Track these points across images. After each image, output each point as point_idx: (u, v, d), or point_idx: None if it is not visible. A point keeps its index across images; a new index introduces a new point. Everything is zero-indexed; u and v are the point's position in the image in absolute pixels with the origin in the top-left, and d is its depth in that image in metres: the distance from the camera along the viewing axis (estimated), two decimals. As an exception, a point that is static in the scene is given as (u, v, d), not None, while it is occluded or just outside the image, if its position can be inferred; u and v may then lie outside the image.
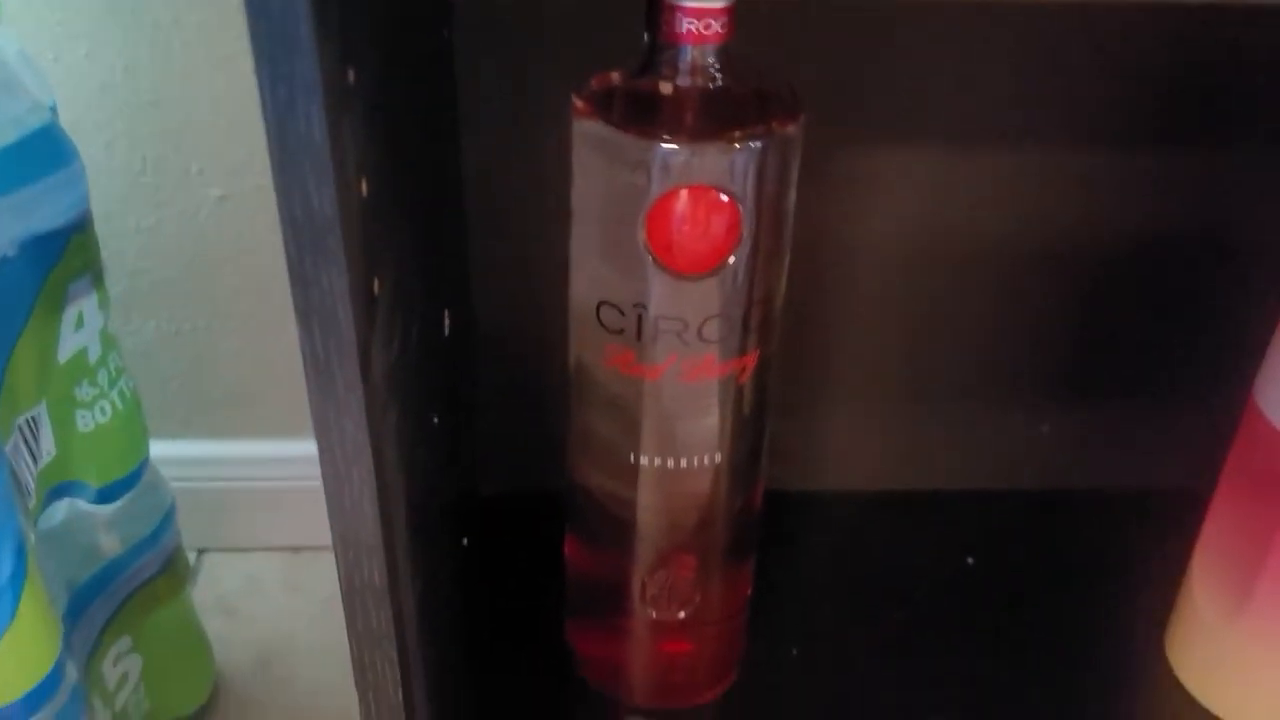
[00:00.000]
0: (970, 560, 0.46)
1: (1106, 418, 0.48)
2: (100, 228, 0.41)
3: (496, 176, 0.41)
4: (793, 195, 0.30)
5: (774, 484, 0.49)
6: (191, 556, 0.60)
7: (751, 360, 0.31)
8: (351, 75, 0.21)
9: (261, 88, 0.19)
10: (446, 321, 0.35)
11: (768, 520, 0.49)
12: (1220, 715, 0.39)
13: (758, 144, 0.27)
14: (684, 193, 0.27)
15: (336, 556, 0.25)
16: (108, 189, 0.51)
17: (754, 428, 0.34)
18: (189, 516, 0.51)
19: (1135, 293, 0.45)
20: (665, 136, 0.27)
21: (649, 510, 0.33)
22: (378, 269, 0.23)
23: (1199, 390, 0.46)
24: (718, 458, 0.33)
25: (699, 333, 0.29)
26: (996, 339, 0.46)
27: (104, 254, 0.42)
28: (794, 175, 0.30)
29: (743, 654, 0.40)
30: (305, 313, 0.21)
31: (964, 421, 0.48)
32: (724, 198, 0.27)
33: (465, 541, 0.41)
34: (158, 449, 0.47)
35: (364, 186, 0.22)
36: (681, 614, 0.36)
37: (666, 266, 0.28)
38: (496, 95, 0.40)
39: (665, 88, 0.28)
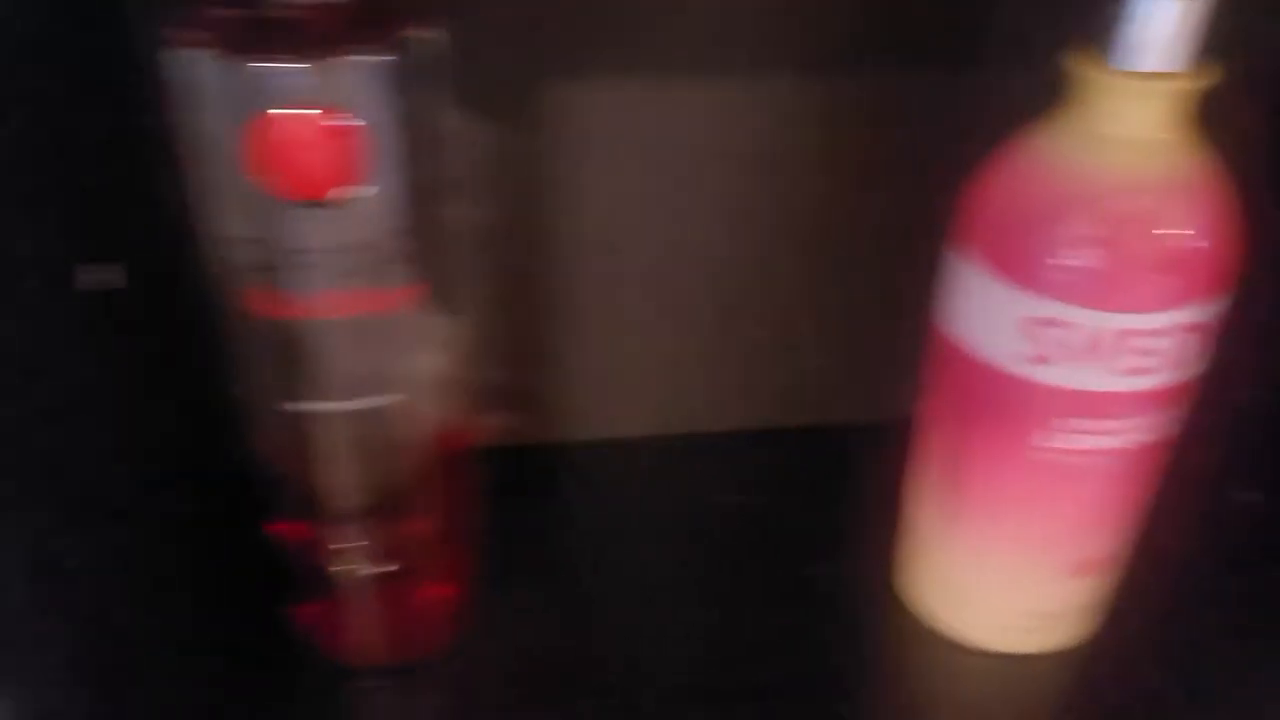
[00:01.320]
0: (721, 500, 0.46)
1: (859, 349, 0.48)
2: None
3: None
4: (445, 117, 0.29)
5: (530, 436, 0.49)
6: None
7: (412, 293, 0.30)
8: None
9: None
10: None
11: (521, 473, 0.48)
12: (946, 633, 0.40)
13: (370, 59, 0.26)
14: (285, 116, 0.25)
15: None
16: None
17: (437, 366, 0.32)
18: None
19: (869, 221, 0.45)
20: (261, 56, 0.25)
21: (329, 464, 0.32)
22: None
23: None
24: (393, 400, 0.31)
25: (341, 266, 0.28)
26: (738, 271, 0.46)
27: None
28: (439, 95, 0.28)
29: (472, 606, 0.40)
30: None
31: (719, 360, 0.48)
32: (332, 119, 0.26)
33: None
34: None
35: None
36: (387, 569, 0.35)
37: (287, 196, 0.26)
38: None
39: (271, 9, 0.26)
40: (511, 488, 0.47)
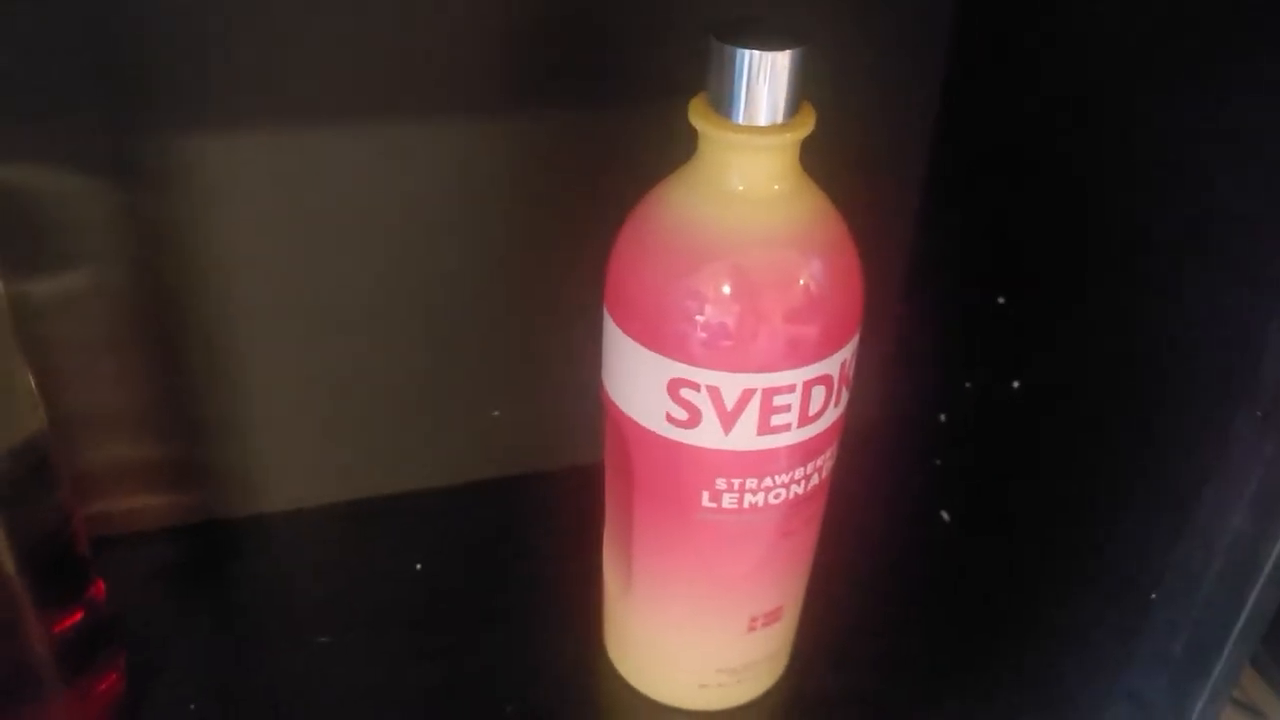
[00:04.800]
0: (418, 566, 0.43)
1: (552, 399, 0.46)
2: None
3: None
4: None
5: (213, 512, 0.45)
6: None
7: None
8: None
9: None
10: None
11: (205, 552, 0.44)
12: (645, 693, 0.38)
13: None
14: None
15: None
16: None
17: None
18: None
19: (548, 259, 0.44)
20: None
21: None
22: None
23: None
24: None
25: None
26: (411, 329, 0.43)
27: None
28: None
29: (126, 711, 0.36)
30: None
31: (409, 420, 0.45)
32: None
33: None
34: None
35: None
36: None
37: None
38: None
39: None
40: (181, 570, 0.43)
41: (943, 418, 0.47)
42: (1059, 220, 0.38)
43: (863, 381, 0.34)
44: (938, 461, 0.47)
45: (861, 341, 0.32)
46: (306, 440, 0.44)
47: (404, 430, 0.45)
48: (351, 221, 0.40)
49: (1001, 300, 0.42)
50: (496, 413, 0.46)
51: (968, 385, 0.44)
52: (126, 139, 0.36)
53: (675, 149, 0.31)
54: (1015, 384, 0.41)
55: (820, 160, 0.31)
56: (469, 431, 0.46)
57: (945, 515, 0.47)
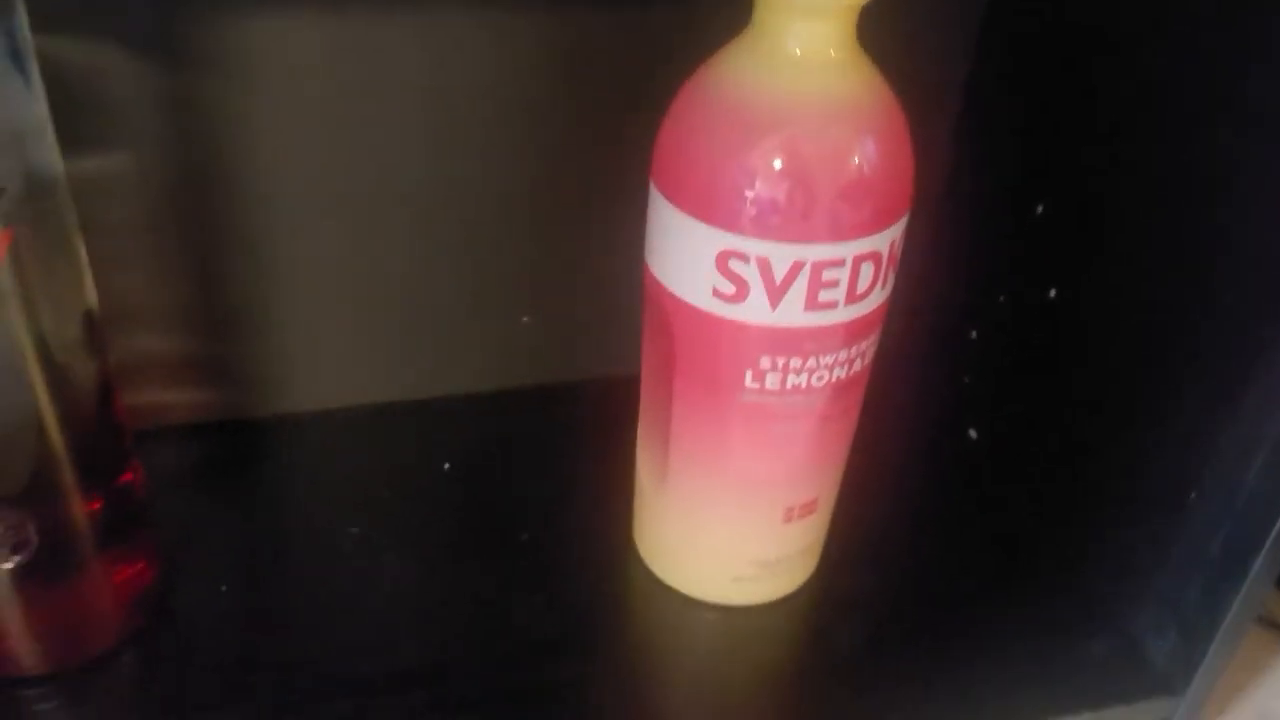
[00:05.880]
0: (447, 466, 0.43)
1: (584, 306, 0.46)
2: None
3: None
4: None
5: (243, 410, 0.45)
6: None
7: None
8: None
9: None
10: None
11: (234, 449, 0.44)
12: (678, 589, 0.38)
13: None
14: None
15: None
16: None
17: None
18: None
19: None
20: None
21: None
22: None
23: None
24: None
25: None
26: (447, 231, 0.43)
27: None
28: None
29: (158, 595, 0.36)
30: None
31: (439, 324, 0.45)
32: None
33: None
34: None
35: None
36: (29, 559, 0.31)
37: None
38: None
39: None
40: (211, 466, 0.43)
41: (974, 334, 0.46)
42: (1099, 131, 0.38)
43: (896, 289, 0.33)
44: (966, 379, 0.47)
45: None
46: (337, 340, 0.44)
47: (433, 335, 0.45)
48: (392, 115, 0.40)
49: (1040, 209, 0.41)
50: (526, 319, 0.46)
51: (1001, 299, 0.44)
52: (173, 19, 0.36)
53: (714, 39, 0.31)
54: (1051, 293, 0.41)
55: (869, 44, 0.31)
56: (500, 338, 0.46)
57: (973, 433, 0.47)
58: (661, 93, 0.32)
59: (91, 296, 0.32)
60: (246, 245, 0.41)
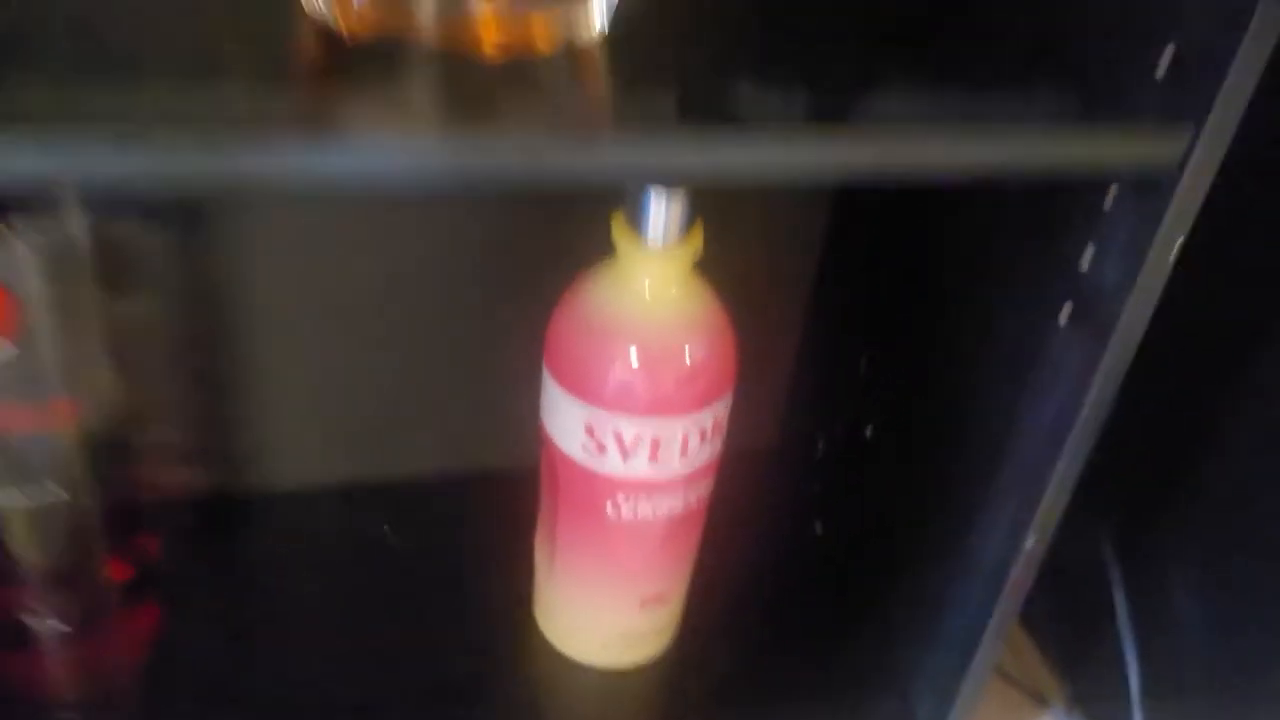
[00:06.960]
0: (396, 542, 0.55)
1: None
2: None
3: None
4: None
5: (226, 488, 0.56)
6: None
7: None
8: None
9: None
10: None
11: (228, 523, 0.55)
12: (565, 652, 0.50)
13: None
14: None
15: None
16: None
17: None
18: None
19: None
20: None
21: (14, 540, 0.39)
22: None
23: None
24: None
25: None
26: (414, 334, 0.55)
27: None
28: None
29: (159, 640, 0.47)
30: None
31: (388, 420, 0.56)
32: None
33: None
34: None
35: None
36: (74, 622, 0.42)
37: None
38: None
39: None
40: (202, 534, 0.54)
41: (820, 448, 0.58)
42: (914, 318, 0.50)
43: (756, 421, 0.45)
44: (815, 487, 0.59)
45: (753, 393, 0.43)
46: (304, 430, 0.55)
47: (382, 429, 0.57)
48: (362, 282, 0.51)
49: (863, 365, 0.53)
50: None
51: (836, 432, 0.56)
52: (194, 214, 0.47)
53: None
54: (868, 430, 0.53)
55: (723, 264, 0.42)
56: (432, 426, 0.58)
57: (819, 527, 0.58)
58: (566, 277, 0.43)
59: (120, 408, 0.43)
60: (244, 361, 0.52)
